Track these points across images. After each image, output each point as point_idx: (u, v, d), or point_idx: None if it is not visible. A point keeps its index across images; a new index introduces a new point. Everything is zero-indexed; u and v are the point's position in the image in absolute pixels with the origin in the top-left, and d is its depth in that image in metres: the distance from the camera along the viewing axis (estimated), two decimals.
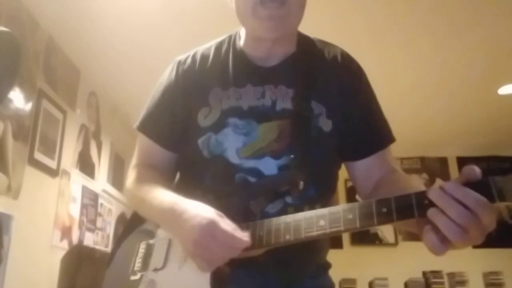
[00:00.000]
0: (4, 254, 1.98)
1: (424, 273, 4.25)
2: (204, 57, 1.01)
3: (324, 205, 0.75)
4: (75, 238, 2.75)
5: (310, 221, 0.71)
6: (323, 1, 2.30)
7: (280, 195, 0.87)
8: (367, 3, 2.37)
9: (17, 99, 2.16)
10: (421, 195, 0.62)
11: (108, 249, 3.36)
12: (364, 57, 1.06)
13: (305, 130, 0.89)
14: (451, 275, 4.25)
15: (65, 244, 2.60)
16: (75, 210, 2.78)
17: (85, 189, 2.95)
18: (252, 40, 0.97)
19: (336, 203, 0.84)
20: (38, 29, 2.39)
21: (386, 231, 4.55)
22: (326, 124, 0.91)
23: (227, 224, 0.75)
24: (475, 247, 4.38)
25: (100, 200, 3.24)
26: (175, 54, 1.09)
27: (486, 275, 4.32)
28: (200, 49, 1.04)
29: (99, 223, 3.19)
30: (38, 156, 2.34)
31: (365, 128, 0.94)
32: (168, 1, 2.31)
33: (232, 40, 1.02)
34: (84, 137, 2.99)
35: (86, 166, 3.01)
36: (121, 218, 3.74)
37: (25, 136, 2.23)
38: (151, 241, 0.93)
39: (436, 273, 4.24)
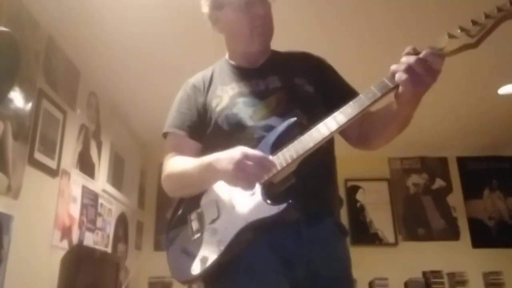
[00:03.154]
0: (4, 254, 1.98)
1: (424, 273, 4.24)
2: (206, 74, 1.31)
3: (326, 150, 1.13)
4: (75, 238, 2.75)
5: (314, 130, 1.01)
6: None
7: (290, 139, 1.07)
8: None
9: (17, 99, 2.16)
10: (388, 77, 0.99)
11: (108, 249, 3.36)
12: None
13: (295, 92, 1.20)
14: (451, 275, 4.24)
15: (65, 244, 2.60)
16: (75, 210, 2.79)
17: (85, 189, 2.95)
18: (242, 55, 1.29)
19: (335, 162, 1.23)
20: (38, 29, 2.40)
21: (386, 231, 4.56)
22: (309, 88, 1.22)
23: (255, 152, 1.00)
24: (475, 247, 4.35)
25: (100, 200, 3.24)
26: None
27: (486, 275, 4.31)
28: (203, 71, 1.33)
29: (99, 223, 3.19)
30: (38, 156, 2.34)
31: (337, 88, 1.24)
32: None
33: (223, 60, 1.35)
34: (84, 137, 3.00)
35: (86, 166, 3.01)
36: (121, 218, 3.75)
37: (25, 136, 2.23)
38: (198, 210, 1.12)
39: (436, 273, 4.23)
